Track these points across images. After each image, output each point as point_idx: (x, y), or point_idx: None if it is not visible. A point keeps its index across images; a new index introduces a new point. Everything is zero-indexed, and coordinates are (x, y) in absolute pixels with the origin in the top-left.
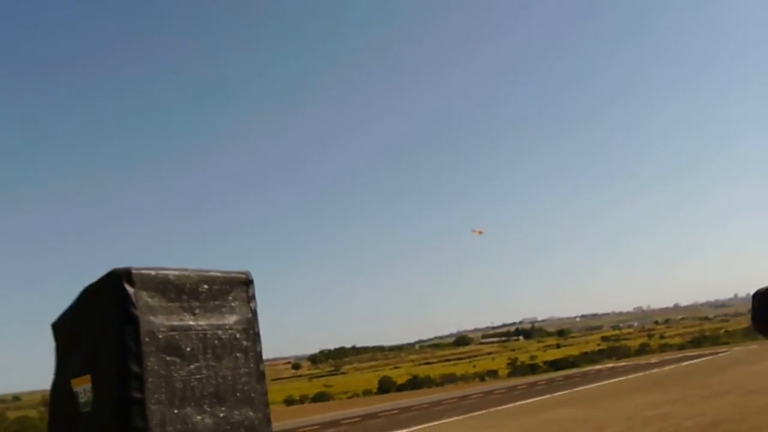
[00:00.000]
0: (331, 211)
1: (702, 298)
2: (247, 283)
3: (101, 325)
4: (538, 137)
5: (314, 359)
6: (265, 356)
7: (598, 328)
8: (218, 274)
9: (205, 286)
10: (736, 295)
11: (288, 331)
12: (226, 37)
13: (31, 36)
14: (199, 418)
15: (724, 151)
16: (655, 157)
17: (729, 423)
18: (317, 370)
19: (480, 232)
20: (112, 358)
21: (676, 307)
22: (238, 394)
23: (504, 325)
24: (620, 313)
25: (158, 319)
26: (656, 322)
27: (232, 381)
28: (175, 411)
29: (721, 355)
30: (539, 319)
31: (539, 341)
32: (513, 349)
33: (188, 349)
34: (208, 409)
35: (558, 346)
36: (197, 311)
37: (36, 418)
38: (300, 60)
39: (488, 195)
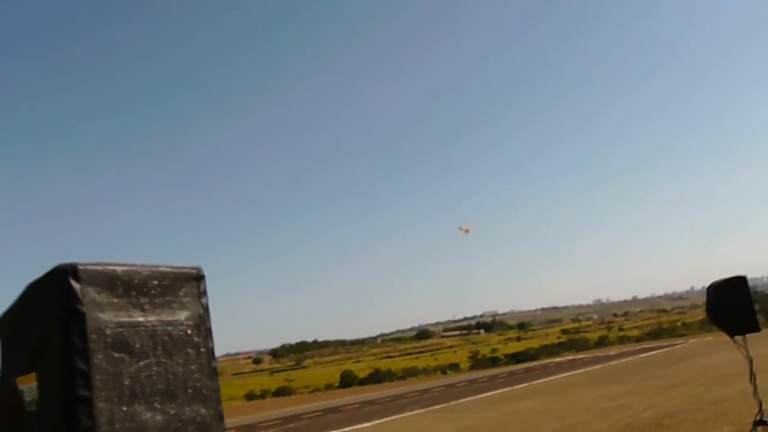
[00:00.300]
0: (292, 205)
1: (660, 290)
2: (198, 278)
3: (46, 321)
4: (499, 135)
5: (275, 354)
6: (225, 351)
7: (558, 321)
8: (168, 270)
9: (155, 282)
10: (692, 288)
11: (249, 325)
12: (182, 27)
13: None
14: (149, 415)
15: (679, 146)
16: (615, 151)
17: (685, 414)
18: (278, 365)
19: (466, 230)
20: (58, 356)
21: (635, 300)
22: (190, 391)
23: (465, 319)
24: (580, 306)
25: (106, 315)
26: (615, 315)
27: (183, 378)
28: (124, 408)
29: (677, 346)
30: (500, 312)
31: (500, 334)
32: (474, 343)
33: (137, 345)
34: (159, 407)
35: (518, 339)
36: (146, 307)
37: None
38: (259, 53)
39: (449, 191)
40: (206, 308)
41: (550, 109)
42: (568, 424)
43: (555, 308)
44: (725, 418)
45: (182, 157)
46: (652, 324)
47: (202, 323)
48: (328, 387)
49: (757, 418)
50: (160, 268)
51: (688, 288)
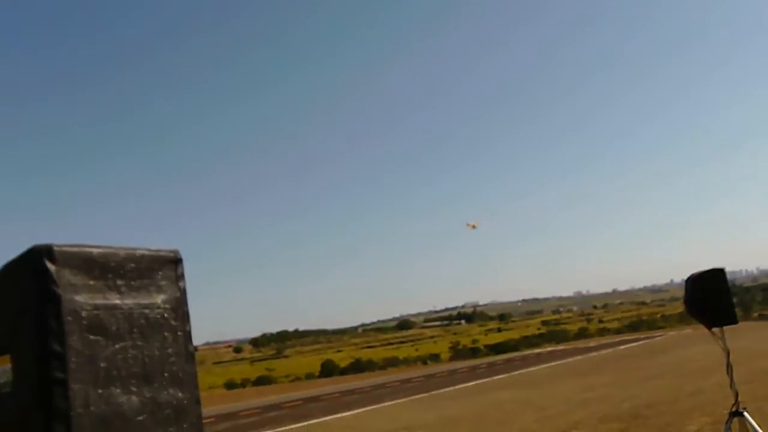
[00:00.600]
0: (275, 197)
1: (639, 283)
2: (175, 261)
3: (21, 303)
4: (484, 133)
5: (256, 343)
6: (206, 340)
7: (539, 312)
8: (145, 252)
9: (132, 265)
10: (672, 281)
11: (230, 314)
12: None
13: None
14: (125, 398)
15: (662, 142)
16: (596, 149)
17: (663, 405)
18: (259, 354)
19: (473, 226)
20: (33, 338)
21: (615, 293)
22: (166, 375)
23: (446, 310)
24: (560, 298)
25: (81, 297)
26: (595, 307)
27: (160, 361)
28: (100, 391)
29: (656, 339)
30: (481, 303)
31: (481, 325)
32: (455, 333)
33: (113, 328)
34: (135, 390)
35: (499, 330)
36: (123, 290)
37: None
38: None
39: (432, 189)
40: (184, 292)
41: (547, 108)
42: (547, 414)
43: (536, 300)
44: (702, 410)
45: (166, 146)
46: (632, 316)
47: (180, 307)
48: (309, 376)
49: (733, 409)
50: (138, 251)
51: (667, 281)
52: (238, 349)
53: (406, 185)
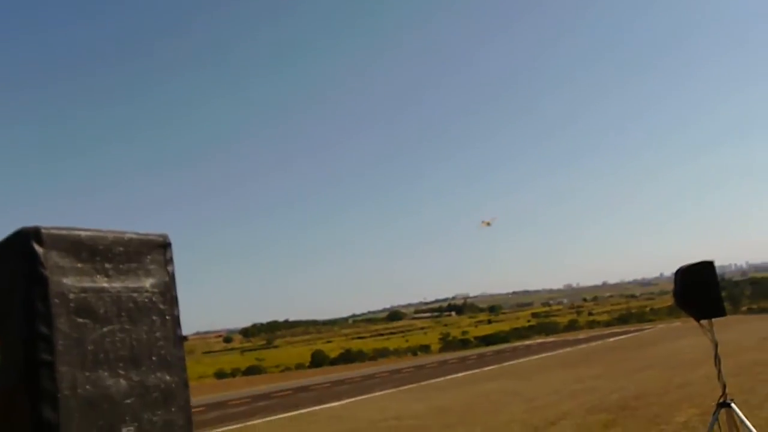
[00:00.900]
0: (266, 187)
1: (629, 276)
2: (164, 245)
3: (8, 285)
4: (471, 128)
5: (246, 333)
6: (196, 329)
7: (529, 304)
8: (134, 236)
9: (120, 248)
10: (662, 274)
11: (220, 304)
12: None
13: None
14: (112, 381)
15: (658, 135)
16: (590, 139)
17: (652, 396)
18: (249, 344)
19: (488, 223)
20: (20, 320)
21: (605, 285)
22: (154, 358)
23: (436, 301)
24: (550, 291)
25: (69, 280)
26: (585, 300)
27: (148, 344)
28: (87, 374)
29: (645, 331)
30: (471, 295)
31: (471, 317)
32: (445, 325)
33: (101, 311)
34: (123, 373)
35: (489, 321)
36: (111, 273)
37: None
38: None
39: (425, 182)
40: (172, 276)
41: (537, 103)
42: (535, 405)
43: (526, 292)
44: (690, 401)
45: (158, 135)
46: (622, 309)
47: (168, 291)
48: (299, 366)
49: (721, 400)
50: (126, 235)
51: (657, 274)
52: (228, 339)
53: (398, 177)
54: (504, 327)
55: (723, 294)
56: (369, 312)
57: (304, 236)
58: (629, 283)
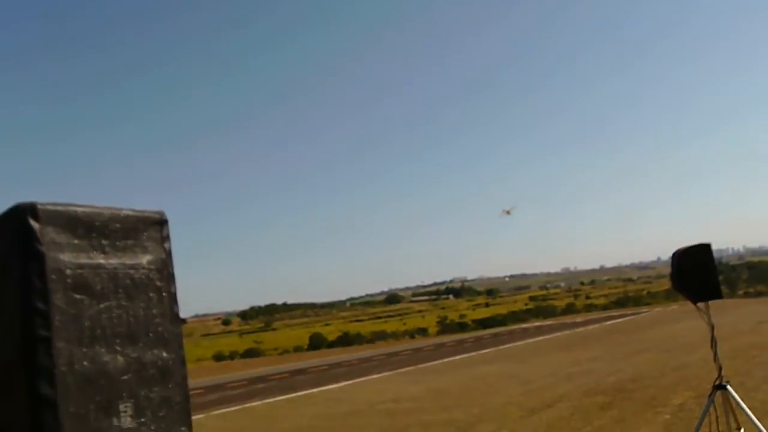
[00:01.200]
0: (263, 170)
1: (626, 260)
2: (161, 222)
3: (4, 261)
4: (467, 116)
5: (245, 315)
6: (194, 312)
7: (526, 288)
8: (130, 213)
9: (117, 225)
10: (659, 258)
11: (218, 287)
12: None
13: None
14: (109, 357)
15: (659, 115)
16: (584, 120)
17: (648, 379)
18: (248, 327)
19: (508, 212)
20: (16, 296)
21: (602, 269)
22: (151, 335)
23: (434, 284)
24: (548, 274)
25: (65, 256)
26: (582, 283)
27: (145, 321)
28: (84, 350)
29: (642, 315)
30: (469, 278)
31: (468, 300)
32: (442, 308)
33: (98, 287)
34: (119, 349)
35: (487, 305)
36: (107, 249)
37: None
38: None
39: (421, 162)
40: (169, 253)
41: (533, 89)
42: (532, 387)
43: (523, 275)
44: (686, 384)
45: (155, 117)
46: (618, 293)
47: (165, 268)
48: (297, 349)
49: (716, 383)
50: (122, 211)
51: (654, 258)
52: (226, 322)
53: (396, 160)
54: (501, 310)
55: (720, 278)
56: (367, 295)
57: (302, 219)
58: (627, 266)
